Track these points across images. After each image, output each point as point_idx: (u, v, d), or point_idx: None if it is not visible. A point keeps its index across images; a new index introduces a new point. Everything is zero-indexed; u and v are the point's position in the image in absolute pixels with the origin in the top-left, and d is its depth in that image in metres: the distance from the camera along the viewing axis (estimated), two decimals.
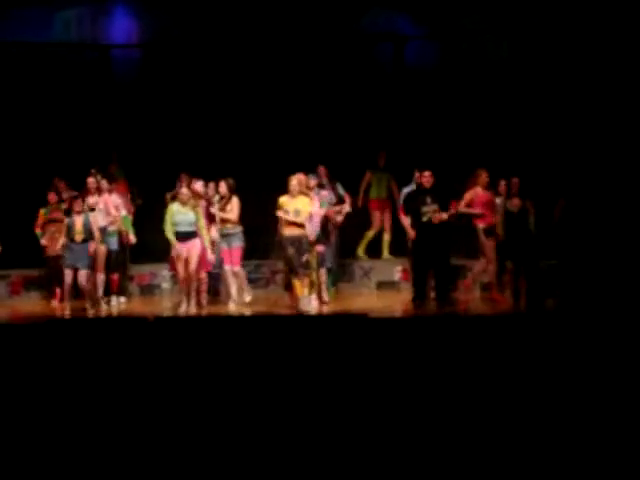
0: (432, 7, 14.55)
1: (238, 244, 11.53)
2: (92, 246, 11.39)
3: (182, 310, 10.95)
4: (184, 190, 11.11)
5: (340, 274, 13.00)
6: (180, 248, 10.91)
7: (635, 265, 11.52)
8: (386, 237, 13.53)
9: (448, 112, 14.29)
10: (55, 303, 12.22)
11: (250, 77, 14.75)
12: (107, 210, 11.92)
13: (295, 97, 14.65)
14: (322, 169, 12.36)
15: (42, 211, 12.57)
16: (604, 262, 11.55)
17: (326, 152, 13.66)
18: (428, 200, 10.99)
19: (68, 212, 11.62)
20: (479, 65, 14.39)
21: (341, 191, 12.41)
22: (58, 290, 12.23)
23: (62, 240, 11.82)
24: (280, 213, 10.73)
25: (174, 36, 14.95)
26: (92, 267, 11.57)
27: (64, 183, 12.86)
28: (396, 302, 11.82)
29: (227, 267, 11.54)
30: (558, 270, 11.67)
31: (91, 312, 11.23)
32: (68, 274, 11.47)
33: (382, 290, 12.57)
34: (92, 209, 11.61)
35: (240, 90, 14.71)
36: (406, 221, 11.25)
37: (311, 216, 10.91)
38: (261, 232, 13.16)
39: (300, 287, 10.68)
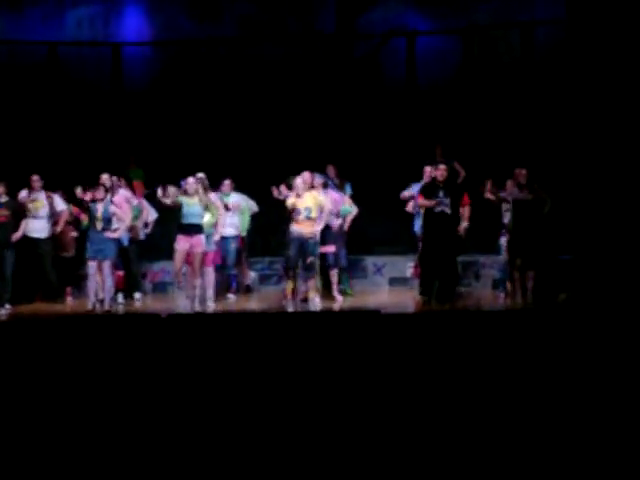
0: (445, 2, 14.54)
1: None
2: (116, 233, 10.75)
3: (183, 307, 10.66)
4: (190, 180, 10.64)
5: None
6: (182, 240, 10.51)
7: None
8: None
9: (462, 107, 14.28)
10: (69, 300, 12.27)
11: (260, 74, 14.75)
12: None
13: (309, 95, 14.62)
14: (331, 168, 12.14)
15: None
16: (618, 257, 11.44)
17: (340, 150, 13.65)
18: (441, 194, 10.93)
19: (94, 201, 10.85)
20: (492, 61, 14.36)
21: (348, 192, 12.19)
22: (68, 288, 12.26)
23: (73, 233, 11.93)
24: (293, 214, 10.62)
25: (186, 34, 14.97)
26: (117, 259, 11.09)
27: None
28: (408, 298, 11.78)
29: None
30: (572, 265, 11.55)
31: (98, 309, 10.70)
32: (92, 266, 10.67)
33: (394, 286, 12.51)
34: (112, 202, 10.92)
35: (251, 88, 14.73)
36: (426, 202, 11.01)
37: (322, 210, 10.78)
38: (274, 230, 13.15)
39: (298, 288, 10.69)
